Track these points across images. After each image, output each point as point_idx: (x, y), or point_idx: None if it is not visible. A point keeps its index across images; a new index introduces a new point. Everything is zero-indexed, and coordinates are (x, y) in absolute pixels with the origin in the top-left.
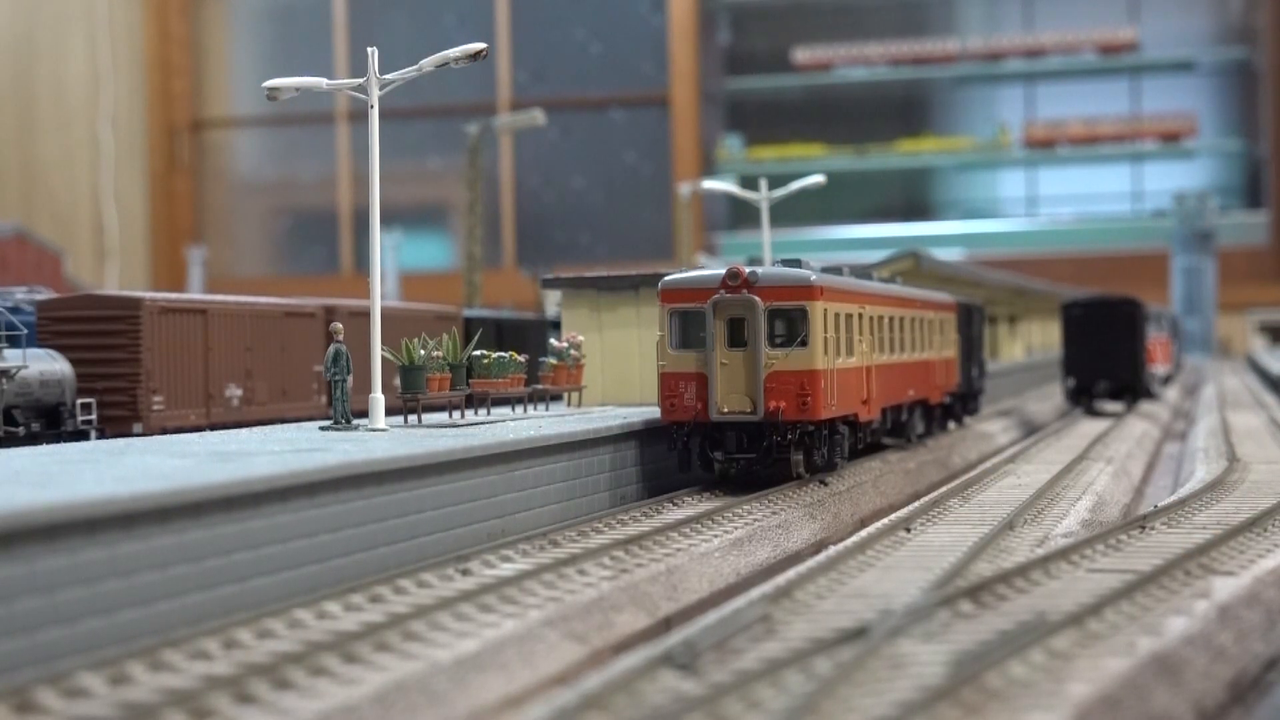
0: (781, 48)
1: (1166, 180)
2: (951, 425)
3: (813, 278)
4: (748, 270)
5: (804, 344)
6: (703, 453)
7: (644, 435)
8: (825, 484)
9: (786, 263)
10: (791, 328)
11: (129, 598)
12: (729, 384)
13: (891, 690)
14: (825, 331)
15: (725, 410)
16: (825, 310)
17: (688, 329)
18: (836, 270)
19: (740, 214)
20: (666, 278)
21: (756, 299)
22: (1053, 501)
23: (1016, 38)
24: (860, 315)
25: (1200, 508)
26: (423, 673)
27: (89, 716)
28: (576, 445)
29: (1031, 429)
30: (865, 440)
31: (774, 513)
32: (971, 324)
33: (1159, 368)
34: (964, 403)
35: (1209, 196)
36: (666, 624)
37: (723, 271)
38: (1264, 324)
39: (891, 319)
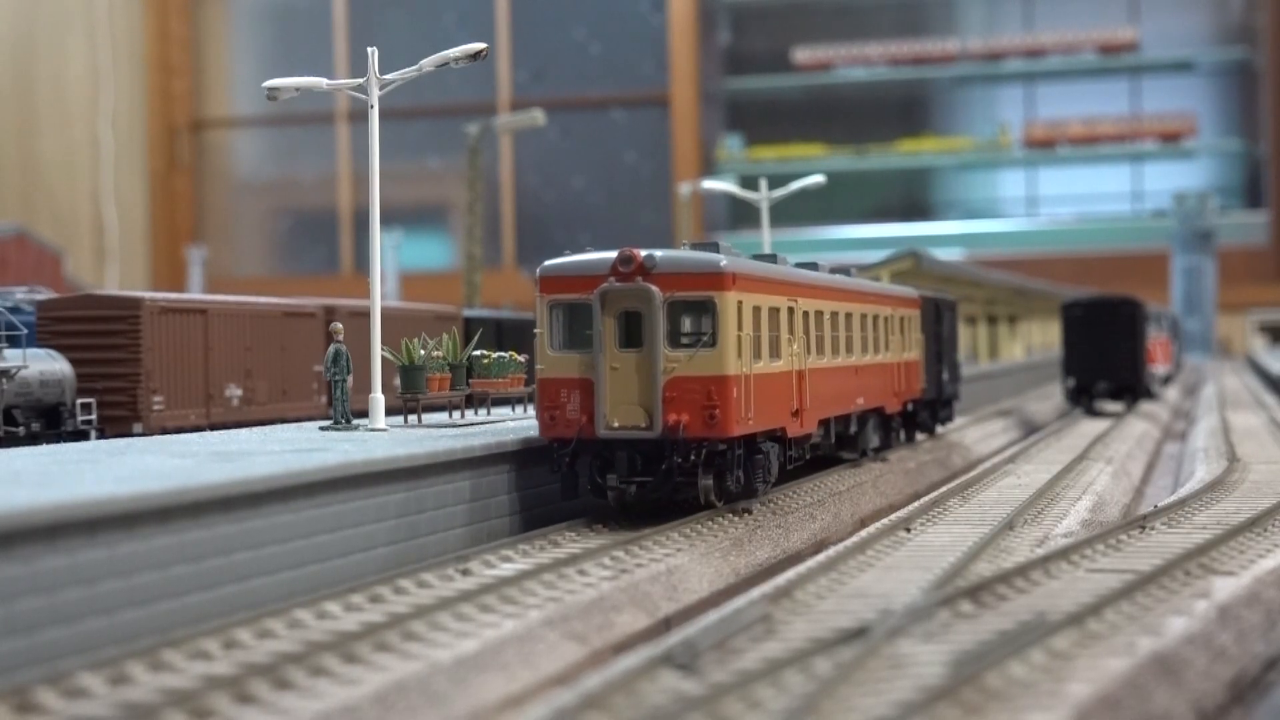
0: (781, 48)
1: (1166, 180)
2: (921, 436)
3: (723, 262)
4: (643, 254)
5: (711, 344)
6: (593, 476)
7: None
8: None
9: (700, 247)
10: (697, 324)
11: (129, 598)
12: (620, 393)
13: (891, 690)
14: (740, 329)
15: (615, 425)
16: (740, 303)
17: (573, 325)
18: (757, 256)
19: (740, 214)
20: (546, 263)
21: (653, 289)
22: (1053, 501)
23: (1016, 38)
24: (791, 310)
25: (1200, 508)
26: (423, 673)
27: (89, 716)
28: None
29: (1031, 429)
30: (803, 458)
31: (773, 513)
32: (941, 322)
33: (1159, 368)
34: (933, 410)
35: (1209, 196)
36: (666, 624)
37: (613, 255)
38: (1264, 324)
39: (834, 315)
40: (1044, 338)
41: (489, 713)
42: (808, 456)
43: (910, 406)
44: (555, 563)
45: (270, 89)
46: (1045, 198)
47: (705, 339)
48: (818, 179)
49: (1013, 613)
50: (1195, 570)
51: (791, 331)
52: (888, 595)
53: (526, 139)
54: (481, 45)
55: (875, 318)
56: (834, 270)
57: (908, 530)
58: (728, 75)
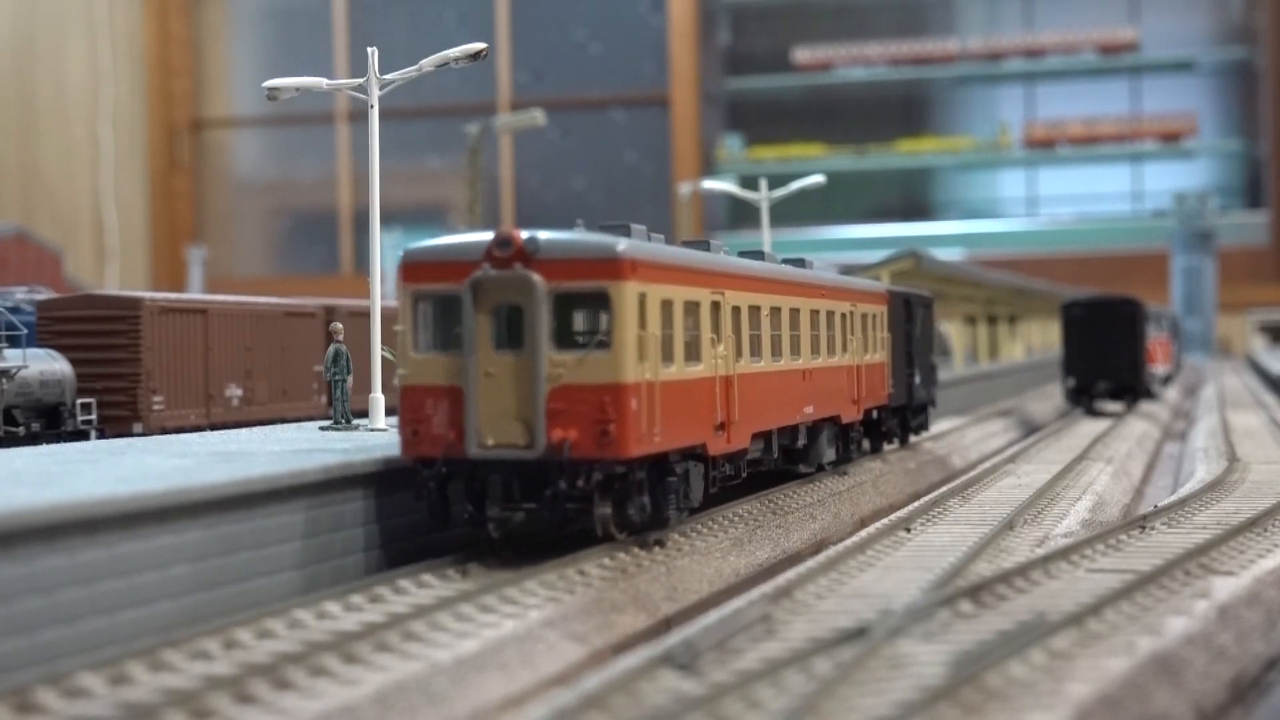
0: (781, 48)
1: (1166, 180)
2: (890, 446)
3: (620, 246)
4: (524, 235)
5: (605, 345)
6: (467, 503)
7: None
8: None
9: (607, 230)
10: (590, 321)
11: (128, 598)
12: (495, 404)
13: (891, 690)
14: (642, 326)
15: (489, 443)
16: (643, 295)
17: (442, 322)
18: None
19: (740, 214)
20: (411, 246)
21: (535, 278)
22: (1053, 501)
23: (1016, 38)
24: (716, 304)
25: (1200, 508)
26: (423, 673)
27: (89, 716)
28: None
29: (1031, 429)
30: (738, 476)
31: (774, 513)
32: (913, 320)
33: (1159, 368)
34: (903, 418)
35: (1209, 196)
36: (666, 624)
37: (489, 237)
38: (1264, 324)
39: (775, 311)
40: (1044, 338)
41: (489, 713)
42: (744, 475)
43: (876, 414)
44: (555, 563)
45: (270, 89)
46: (1045, 198)
47: (599, 339)
48: (818, 179)
49: (1013, 613)
50: (1195, 570)
51: (716, 330)
52: (888, 595)
53: (526, 139)
54: (481, 45)
55: (830, 314)
56: (786, 262)
57: (908, 530)
58: (728, 75)
